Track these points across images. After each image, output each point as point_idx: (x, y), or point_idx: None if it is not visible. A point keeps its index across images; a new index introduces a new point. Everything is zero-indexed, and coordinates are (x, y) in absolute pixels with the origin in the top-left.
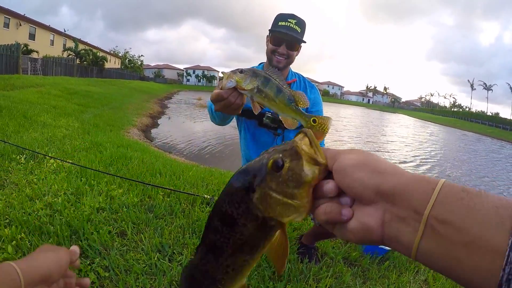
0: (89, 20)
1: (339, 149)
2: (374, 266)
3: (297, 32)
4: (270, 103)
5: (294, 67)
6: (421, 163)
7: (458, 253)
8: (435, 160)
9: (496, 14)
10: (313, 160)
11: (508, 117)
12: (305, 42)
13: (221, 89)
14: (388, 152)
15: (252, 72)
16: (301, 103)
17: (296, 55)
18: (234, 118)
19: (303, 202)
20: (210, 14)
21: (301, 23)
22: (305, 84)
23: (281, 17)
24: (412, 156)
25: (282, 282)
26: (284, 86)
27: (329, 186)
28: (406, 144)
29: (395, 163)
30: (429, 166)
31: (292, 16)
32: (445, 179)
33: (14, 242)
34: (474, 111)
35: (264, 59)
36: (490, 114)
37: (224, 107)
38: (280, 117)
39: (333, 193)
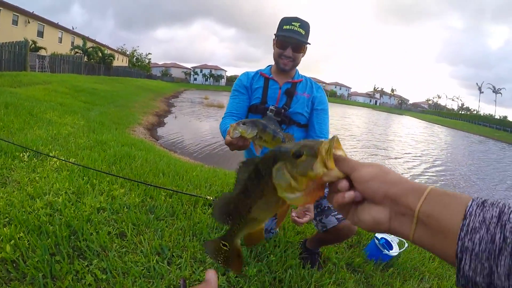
0: (100, 18)
1: (360, 161)
2: (377, 273)
3: (301, 35)
4: (267, 144)
5: (301, 68)
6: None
7: (438, 237)
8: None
9: (505, 18)
10: (324, 163)
11: None
12: (309, 44)
13: (230, 137)
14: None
15: (252, 123)
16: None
17: (302, 57)
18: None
19: (300, 188)
20: (221, 13)
21: (304, 26)
22: (311, 84)
23: (285, 21)
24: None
25: None
26: (278, 130)
27: (343, 183)
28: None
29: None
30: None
31: (296, 20)
32: (432, 185)
33: (13, 241)
34: (482, 114)
35: (272, 61)
36: (499, 118)
37: (235, 148)
38: None
39: (346, 189)
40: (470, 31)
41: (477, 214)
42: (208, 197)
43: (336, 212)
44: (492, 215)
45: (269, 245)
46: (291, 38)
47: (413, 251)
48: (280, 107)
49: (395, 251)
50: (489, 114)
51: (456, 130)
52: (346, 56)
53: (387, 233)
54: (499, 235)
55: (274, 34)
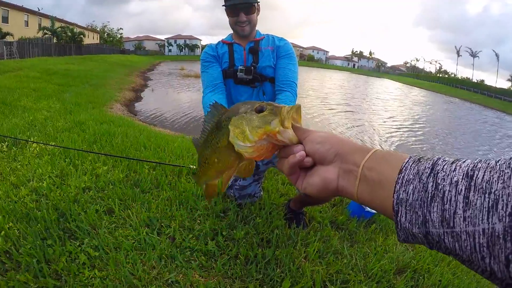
0: None
1: (309, 128)
2: (361, 229)
3: None
4: None
5: (279, 34)
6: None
7: (377, 189)
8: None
9: None
10: (281, 122)
11: (493, 84)
12: (258, 1)
13: None
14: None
15: None
16: None
17: (257, 15)
18: None
19: (252, 139)
20: None
21: None
22: (273, 38)
23: None
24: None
25: (271, 248)
26: None
27: (298, 147)
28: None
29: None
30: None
31: None
32: (378, 148)
33: (3, 232)
34: (459, 78)
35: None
36: (476, 81)
37: None
38: None
39: (299, 150)
40: None
41: (412, 168)
42: (191, 166)
43: None
44: (426, 166)
45: (254, 208)
46: (240, 3)
47: None
48: (248, 65)
49: None
50: (466, 77)
51: (434, 92)
52: (323, 20)
53: (334, 194)
54: (432, 183)
55: (223, 5)
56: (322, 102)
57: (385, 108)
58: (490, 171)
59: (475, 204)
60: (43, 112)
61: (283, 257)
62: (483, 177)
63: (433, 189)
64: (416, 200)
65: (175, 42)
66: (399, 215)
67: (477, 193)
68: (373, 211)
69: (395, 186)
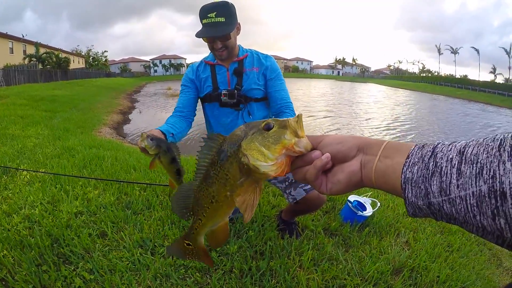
0: (54, 22)
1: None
2: (354, 234)
3: (222, 23)
4: (163, 166)
5: (263, 47)
6: None
7: (389, 173)
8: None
9: None
10: (295, 132)
11: (477, 78)
12: (233, 30)
13: (138, 144)
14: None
15: (157, 142)
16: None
17: (238, 34)
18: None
19: (273, 156)
20: (178, 1)
21: (222, 12)
22: (258, 56)
23: (202, 14)
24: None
25: (265, 260)
26: (178, 160)
27: (316, 153)
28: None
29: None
30: None
31: (211, 9)
32: (389, 139)
33: None
34: (443, 75)
35: None
36: (459, 77)
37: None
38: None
39: (319, 156)
40: None
41: (417, 153)
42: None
43: (303, 184)
44: (427, 150)
45: None
46: (213, 35)
47: (387, 209)
48: (232, 88)
49: (369, 212)
50: (449, 74)
51: (419, 92)
52: (305, 30)
53: (358, 186)
54: (432, 163)
55: (196, 34)
56: (306, 110)
57: (365, 110)
58: (478, 146)
59: (465, 173)
60: (32, 139)
61: (277, 268)
62: (471, 151)
63: (433, 167)
64: (419, 177)
65: (160, 62)
66: (406, 191)
67: (467, 164)
68: (366, 215)
69: (403, 168)
